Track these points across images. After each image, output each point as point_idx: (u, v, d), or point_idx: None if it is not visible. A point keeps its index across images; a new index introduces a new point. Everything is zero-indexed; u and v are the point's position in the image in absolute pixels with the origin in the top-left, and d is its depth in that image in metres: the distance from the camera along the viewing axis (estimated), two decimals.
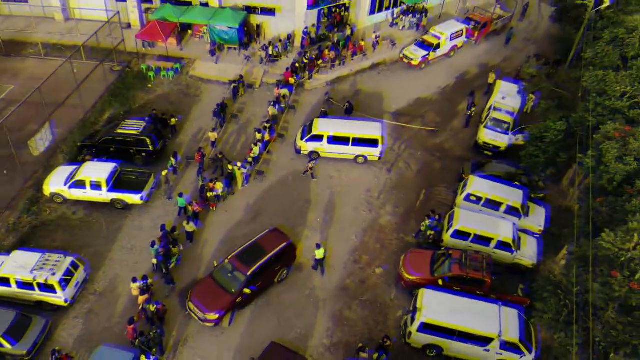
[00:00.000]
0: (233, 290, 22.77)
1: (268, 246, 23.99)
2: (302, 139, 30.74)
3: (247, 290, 22.86)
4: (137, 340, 21.12)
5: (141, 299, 22.50)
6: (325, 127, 30.39)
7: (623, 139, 21.40)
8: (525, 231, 26.59)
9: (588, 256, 18.37)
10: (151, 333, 21.34)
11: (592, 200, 21.40)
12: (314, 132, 30.22)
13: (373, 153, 30.33)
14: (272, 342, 21.73)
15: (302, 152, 30.80)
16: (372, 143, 30.07)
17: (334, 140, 30.07)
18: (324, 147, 30.35)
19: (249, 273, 22.90)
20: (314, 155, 30.55)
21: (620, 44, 25.36)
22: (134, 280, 23.00)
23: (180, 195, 26.70)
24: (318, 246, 24.88)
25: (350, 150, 30.34)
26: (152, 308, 22.21)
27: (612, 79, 24.06)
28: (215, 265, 23.97)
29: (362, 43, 38.41)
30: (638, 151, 20.82)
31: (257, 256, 23.49)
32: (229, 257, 23.76)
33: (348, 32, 39.67)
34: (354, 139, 29.88)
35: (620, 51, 25.29)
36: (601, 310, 18.02)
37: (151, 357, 20.36)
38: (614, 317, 17.41)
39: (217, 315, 22.40)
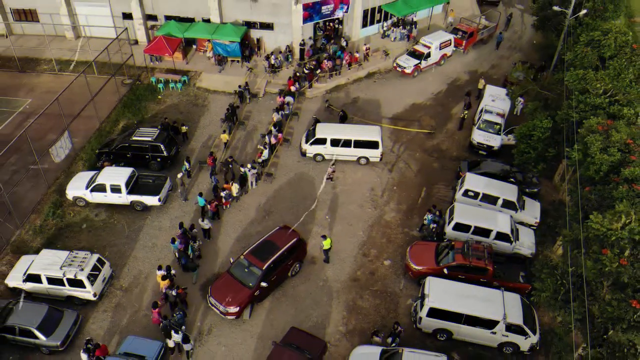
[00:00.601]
0: (250, 285, 24.24)
1: (279, 242, 25.56)
2: (306, 142, 32.62)
3: (263, 284, 24.42)
4: (161, 324, 22.83)
5: (162, 283, 24.24)
6: (326, 131, 32.36)
7: (606, 132, 23.58)
8: (522, 224, 28.63)
9: (580, 239, 20.35)
10: (173, 315, 23.13)
11: (581, 189, 23.47)
12: (317, 136, 32.14)
13: (374, 155, 32.28)
14: (292, 327, 23.36)
15: (306, 155, 32.66)
16: (372, 146, 32.04)
17: (336, 143, 32.01)
18: (327, 150, 32.25)
19: (264, 267, 24.40)
20: (317, 157, 32.47)
21: (597, 46, 27.78)
22: (159, 268, 24.72)
23: (200, 195, 28.38)
24: (324, 237, 26.75)
25: (352, 153, 32.28)
26: (173, 293, 23.92)
27: (591, 77, 26.38)
28: (231, 262, 25.54)
29: (356, 55, 40.61)
30: (620, 142, 22.98)
31: (270, 252, 25.02)
32: (244, 254, 25.25)
33: (342, 43, 41.87)
34: (355, 142, 31.86)
35: (598, 52, 27.69)
36: (596, 291, 19.95)
37: (179, 332, 22.09)
38: (610, 296, 19.25)
39: (237, 309, 23.89)
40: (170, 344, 22.25)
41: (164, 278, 24.21)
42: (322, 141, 32.16)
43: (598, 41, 27.88)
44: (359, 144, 32.02)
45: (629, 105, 26.28)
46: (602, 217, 19.17)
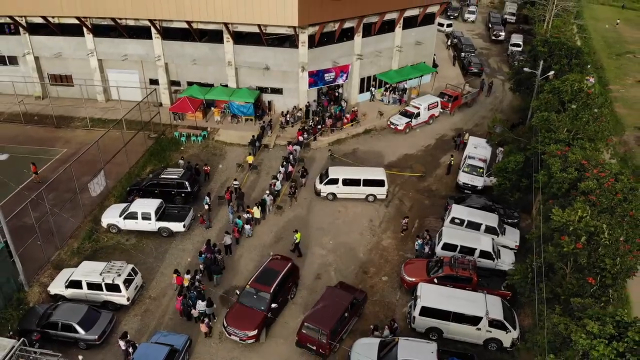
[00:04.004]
0: (262, 308, 26.55)
1: (277, 268, 28.46)
2: (320, 183, 36.95)
3: (274, 305, 26.92)
4: (182, 306, 27.17)
5: (186, 280, 28.50)
6: (338, 172, 36.86)
7: (564, 155, 28.12)
8: (504, 247, 32.40)
9: (543, 234, 24.28)
10: (189, 293, 27.56)
11: (546, 202, 27.64)
12: (330, 177, 36.55)
13: (380, 192, 36.59)
14: (340, 281, 29.16)
15: (321, 194, 36.87)
16: (379, 184, 36.46)
17: (347, 182, 36.38)
18: (339, 189, 36.52)
19: (271, 291, 27.07)
20: (329, 196, 36.73)
21: (557, 92, 33.06)
22: (188, 272, 28.72)
23: (239, 217, 33.25)
24: (296, 231, 31.78)
25: (361, 191, 36.56)
26: (187, 282, 28.23)
27: (554, 118, 31.36)
28: (237, 293, 27.83)
29: (353, 112, 46.38)
30: (577, 163, 27.43)
31: (272, 277, 27.81)
32: (249, 283, 27.78)
33: (342, 105, 47.66)
34: (364, 181, 36.27)
35: (559, 97, 32.90)
36: (562, 279, 23.57)
37: (204, 300, 27.03)
38: (571, 276, 22.92)
39: (255, 331, 25.99)
40: (195, 313, 26.23)
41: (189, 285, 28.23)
42: (334, 181, 36.49)
43: (558, 88, 33.21)
44: (367, 183, 36.37)
45: (591, 142, 31.06)
46: (562, 211, 23.16)
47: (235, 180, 37.27)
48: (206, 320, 26.29)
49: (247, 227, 33.04)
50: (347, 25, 45.27)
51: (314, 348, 25.51)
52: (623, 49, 71.25)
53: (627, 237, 23.44)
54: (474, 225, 32.74)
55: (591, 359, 15.62)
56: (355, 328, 27.57)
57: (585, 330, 16.16)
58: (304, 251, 32.20)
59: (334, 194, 36.75)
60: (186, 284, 28.34)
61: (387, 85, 50.67)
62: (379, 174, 36.89)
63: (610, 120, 32.02)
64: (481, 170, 38.73)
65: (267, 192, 35.53)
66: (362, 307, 28.13)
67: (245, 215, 33.49)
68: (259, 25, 42.47)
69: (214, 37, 44.75)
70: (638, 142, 46.83)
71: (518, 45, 63.05)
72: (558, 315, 19.08)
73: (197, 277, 28.75)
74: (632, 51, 70.30)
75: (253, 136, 41.37)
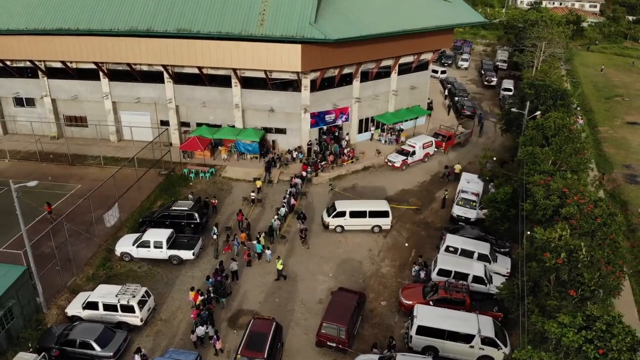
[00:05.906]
0: None
1: (264, 329, 27.19)
2: (328, 216, 38.99)
3: None
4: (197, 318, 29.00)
5: (199, 299, 30.32)
6: (345, 206, 39.02)
7: (547, 184, 30.42)
8: (496, 274, 34.27)
9: (528, 253, 26.30)
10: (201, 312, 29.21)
11: (530, 227, 29.74)
12: (338, 210, 38.64)
13: (385, 223, 38.77)
14: (340, 287, 31.84)
15: (329, 227, 38.82)
16: (384, 215, 38.64)
17: (354, 215, 38.47)
18: (347, 222, 38.57)
19: (265, 356, 25.80)
20: (337, 229, 38.64)
21: (541, 128, 35.67)
22: (202, 294, 30.46)
23: (258, 241, 35.51)
24: (278, 258, 33.87)
25: (368, 222, 38.65)
26: (198, 301, 30.15)
27: (538, 152, 33.85)
28: None
29: (352, 151, 49.14)
30: (558, 190, 29.69)
31: (262, 341, 26.47)
32: (239, 352, 26.09)
33: (343, 144, 50.36)
34: (369, 212, 38.41)
35: (542, 133, 35.50)
36: (546, 295, 25.44)
37: (204, 325, 28.69)
38: (554, 290, 24.80)
39: None
40: (193, 338, 28.02)
41: (201, 303, 30.03)
42: (342, 214, 38.59)
43: (542, 124, 35.87)
44: (373, 214, 38.54)
45: (573, 173, 33.43)
46: (544, 230, 25.25)
47: (252, 192, 41.71)
48: (217, 337, 28.17)
49: (268, 251, 35.19)
50: (346, 71, 48.51)
51: (334, 345, 27.86)
52: (612, 92, 74.95)
53: (608, 259, 25.38)
54: (467, 253, 34.67)
55: (562, 344, 17.41)
56: (355, 347, 29.10)
57: (557, 321, 18.01)
58: (307, 277, 34.08)
59: (342, 226, 38.73)
60: (197, 302, 30.08)
61: (384, 126, 53.52)
62: (382, 205, 39.13)
63: (592, 154, 34.36)
64: (474, 203, 40.96)
65: (275, 217, 37.91)
66: (363, 307, 31.14)
67: (254, 242, 35.73)
68: (265, 71, 45.61)
69: (223, 81, 47.81)
70: (626, 179, 49.21)
71: (509, 90, 66.50)
72: (536, 315, 20.89)
73: (212, 295, 30.78)
74: (621, 94, 73.95)
75: (267, 162, 45.52)
